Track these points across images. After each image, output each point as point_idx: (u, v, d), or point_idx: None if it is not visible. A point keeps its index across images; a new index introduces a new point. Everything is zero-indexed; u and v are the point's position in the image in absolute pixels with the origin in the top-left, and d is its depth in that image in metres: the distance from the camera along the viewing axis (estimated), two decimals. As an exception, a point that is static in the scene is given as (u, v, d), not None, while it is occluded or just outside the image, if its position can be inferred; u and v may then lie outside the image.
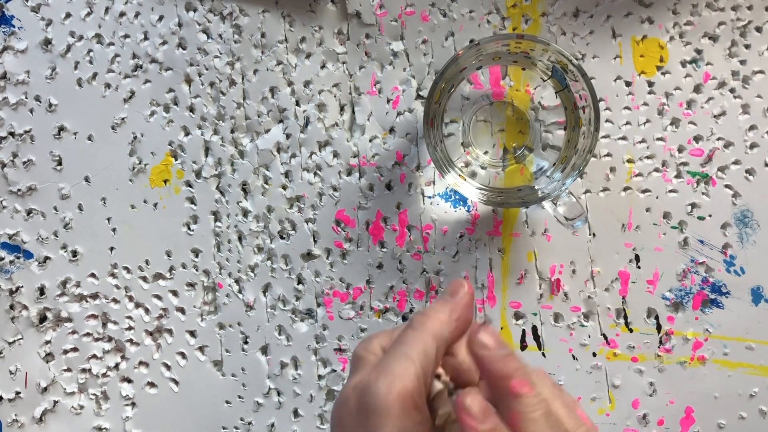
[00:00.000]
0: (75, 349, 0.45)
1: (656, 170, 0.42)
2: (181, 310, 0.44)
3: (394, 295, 0.44)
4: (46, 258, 0.45)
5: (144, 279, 0.44)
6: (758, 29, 0.42)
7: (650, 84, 0.42)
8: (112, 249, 0.45)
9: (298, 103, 0.44)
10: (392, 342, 0.28)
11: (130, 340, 0.45)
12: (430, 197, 0.43)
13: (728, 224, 0.42)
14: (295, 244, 0.44)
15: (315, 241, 0.44)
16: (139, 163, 0.44)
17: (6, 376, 0.45)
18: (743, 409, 0.42)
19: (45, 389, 0.45)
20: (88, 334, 0.45)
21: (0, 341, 0.45)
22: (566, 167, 0.38)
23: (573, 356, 0.43)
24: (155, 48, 0.44)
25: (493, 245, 0.43)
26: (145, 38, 0.44)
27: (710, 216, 0.42)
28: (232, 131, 0.44)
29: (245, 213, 0.44)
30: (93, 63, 0.44)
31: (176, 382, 0.45)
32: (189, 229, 0.44)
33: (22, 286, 0.45)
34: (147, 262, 0.44)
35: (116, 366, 0.45)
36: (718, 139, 0.42)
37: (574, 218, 0.38)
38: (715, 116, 0.42)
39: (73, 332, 0.45)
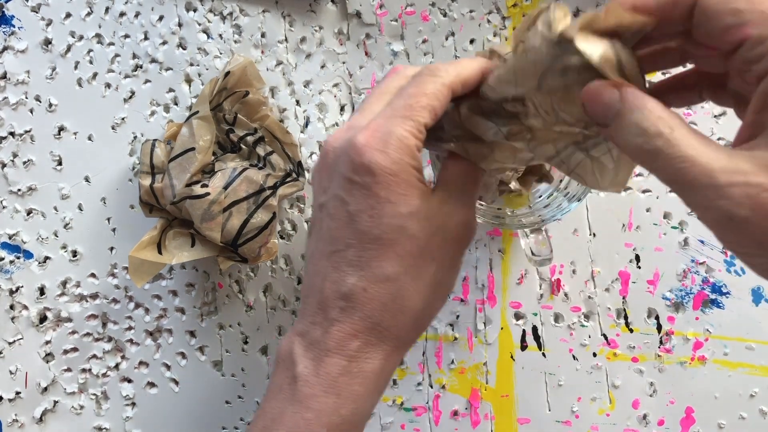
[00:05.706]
0: (75, 349, 0.45)
1: (656, 170, 0.42)
2: (181, 310, 0.44)
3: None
4: (46, 258, 0.45)
5: (144, 279, 0.44)
6: (758, 29, 0.42)
7: (650, 84, 0.42)
8: (112, 249, 0.45)
9: (298, 103, 0.44)
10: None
11: (130, 340, 0.45)
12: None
13: (728, 224, 0.42)
14: (295, 244, 0.44)
15: (315, 241, 0.44)
16: (140, 163, 0.44)
17: (6, 376, 0.45)
18: (743, 409, 0.42)
19: (45, 389, 0.45)
20: (88, 334, 0.45)
21: (0, 341, 0.45)
22: (570, 193, 0.37)
23: (573, 356, 0.43)
24: (155, 48, 0.44)
25: (493, 245, 0.43)
26: (146, 38, 0.44)
27: (710, 216, 0.42)
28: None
29: (245, 213, 0.44)
30: (93, 63, 0.44)
31: (176, 382, 0.45)
32: (189, 229, 0.44)
33: (22, 286, 0.45)
34: (147, 262, 0.44)
35: (116, 366, 0.45)
36: (719, 139, 0.42)
37: (539, 257, 0.38)
38: (715, 116, 0.42)
39: (73, 332, 0.45)
